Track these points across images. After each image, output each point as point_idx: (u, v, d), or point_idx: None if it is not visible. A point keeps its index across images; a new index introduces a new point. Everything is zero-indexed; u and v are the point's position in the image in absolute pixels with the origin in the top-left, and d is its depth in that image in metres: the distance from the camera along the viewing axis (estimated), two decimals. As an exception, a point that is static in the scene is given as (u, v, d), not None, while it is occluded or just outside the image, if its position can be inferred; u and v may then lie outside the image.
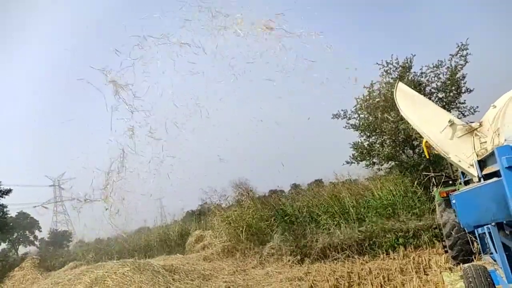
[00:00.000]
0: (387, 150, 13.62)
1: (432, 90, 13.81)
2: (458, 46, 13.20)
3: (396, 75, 13.66)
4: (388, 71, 13.95)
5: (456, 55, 13.26)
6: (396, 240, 11.07)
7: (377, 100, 13.78)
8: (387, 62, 13.93)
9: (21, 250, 34.84)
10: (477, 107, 13.24)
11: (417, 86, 13.22)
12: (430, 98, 12.90)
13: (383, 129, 13.36)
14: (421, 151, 12.68)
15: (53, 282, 10.71)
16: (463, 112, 13.46)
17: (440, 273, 7.66)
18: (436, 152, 5.87)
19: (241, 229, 13.79)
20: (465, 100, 13.59)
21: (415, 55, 13.90)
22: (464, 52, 13.13)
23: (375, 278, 8.30)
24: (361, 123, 14.26)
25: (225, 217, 14.94)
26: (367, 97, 14.20)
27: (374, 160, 14.37)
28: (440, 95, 13.70)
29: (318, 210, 13.65)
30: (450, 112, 11.03)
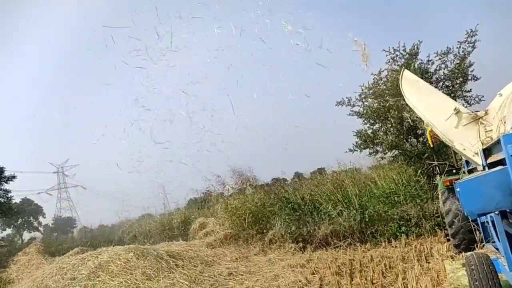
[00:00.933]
0: (390, 138, 13.58)
1: (439, 78, 13.69)
2: (467, 32, 13.03)
3: (403, 62, 13.54)
4: (395, 58, 13.83)
5: (465, 42, 13.09)
6: (398, 229, 11.11)
7: (383, 87, 13.71)
8: (394, 49, 13.80)
9: (26, 236, 35.30)
10: (482, 96, 13.15)
11: (424, 74, 13.11)
12: (436, 86, 12.81)
13: (389, 117, 13.28)
14: (425, 140, 12.65)
15: (58, 267, 10.81)
16: (468, 101, 13.36)
17: (442, 261, 7.69)
18: (440, 140, 5.84)
19: (244, 216, 13.86)
20: (471, 89, 13.48)
21: (422, 41, 13.76)
22: (473, 39, 12.96)
23: (377, 266, 8.35)
24: (365, 111, 14.19)
25: (227, 205, 15.02)
26: (372, 85, 14.13)
27: (378, 149, 14.33)
28: (447, 83, 13.59)
29: (321, 198, 13.68)
30: (456, 101, 10.97)
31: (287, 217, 12.88)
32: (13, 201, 27.02)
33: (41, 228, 40.22)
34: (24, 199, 37.83)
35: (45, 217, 41.31)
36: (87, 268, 9.83)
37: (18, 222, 34.95)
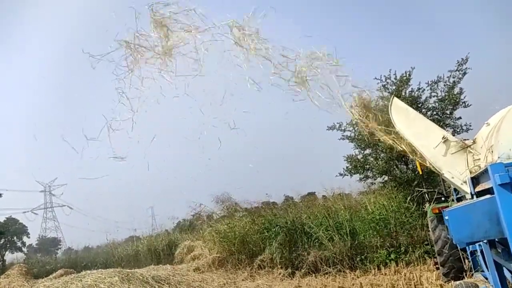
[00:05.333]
0: (381, 163, 13.62)
1: (430, 105, 13.84)
2: (458, 62, 13.28)
3: (393, 89, 13.66)
4: (386, 86, 13.97)
5: (456, 71, 13.30)
6: (387, 256, 11.03)
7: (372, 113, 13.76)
8: (385, 77, 13.95)
9: (8, 256, 34.25)
10: (471, 125, 13.29)
11: (415, 103, 13.24)
12: (426, 114, 12.94)
13: (379, 143, 13.34)
14: (415, 166, 12.69)
15: (39, 290, 10.50)
16: (456, 130, 13.49)
17: (432, 290, 7.62)
18: (429, 167, 5.86)
19: (233, 241, 13.67)
20: (460, 117, 13.61)
21: (414, 67, 13.90)
22: (464, 66, 13.19)
23: (366, 294, 8.25)
24: (356, 136, 14.24)
25: (215, 230, 14.84)
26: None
27: (368, 174, 14.34)
28: (437, 112, 13.72)
29: (312, 223, 13.57)
30: (445, 129, 11.08)
31: (278, 243, 12.69)
32: (-3, 221, 26.35)
33: (24, 249, 39.15)
34: (9, 218, 36.96)
35: (29, 237, 40.26)
36: (69, 292, 9.53)
37: (1, 242, 33.94)
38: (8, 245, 36.22)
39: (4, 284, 17.83)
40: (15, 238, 37.82)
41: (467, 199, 4.82)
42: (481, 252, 5.01)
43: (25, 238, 39.54)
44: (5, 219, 35.50)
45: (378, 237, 11.69)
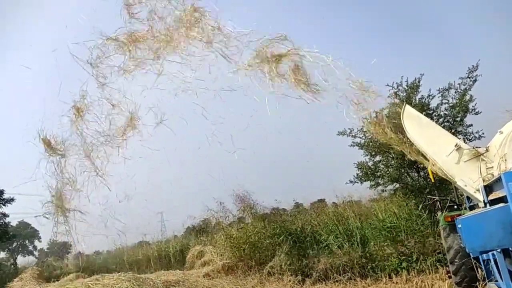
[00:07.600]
0: (392, 171, 13.51)
1: (440, 113, 13.73)
2: (469, 69, 13.20)
3: (404, 96, 13.58)
4: (397, 93, 13.90)
5: (467, 78, 13.21)
6: (399, 264, 10.92)
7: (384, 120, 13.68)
8: (397, 84, 13.90)
9: (20, 260, 34.63)
10: (483, 132, 13.14)
11: (425, 109, 13.15)
12: (437, 121, 12.84)
13: (390, 150, 13.25)
14: (427, 174, 12.59)
15: (51, 294, 10.59)
16: (468, 137, 13.35)
17: (444, 299, 7.53)
18: (442, 176, 5.82)
19: (243, 246, 13.66)
20: (471, 124, 13.47)
21: (423, 74, 13.83)
22: (474, 74, 13.09)
23: (377, 302, 8.18)
24: (366, 143, 14.16)
25: (228, 235, 14.84)
26: (375, 118, 14.12)
27: (379, 181, 14.23)
28: (448, 119, 13.61)
29: (322, 230, 13.51)
30: (457, 136, 10.97)
31: (287, 250, 12.65)
32: (10, 225, 26.57)
33: (36, 252, 39.60)
34: (21, 222, 37.35)
35: (40, 241, 40.61)
36: (80, 297, 9.60)
37: (13, 246, 34.29)
38: (20, 249, 36.65)
39: (17, 287, 18.03)
40: (27, 242, 38.27)
41: (480, 208, 4.79)
42: (495, 261, 4.95)
43: (36, 242, 39.97)
44: (18, 223, 35.90)
45: (389, 245, 11.57)
